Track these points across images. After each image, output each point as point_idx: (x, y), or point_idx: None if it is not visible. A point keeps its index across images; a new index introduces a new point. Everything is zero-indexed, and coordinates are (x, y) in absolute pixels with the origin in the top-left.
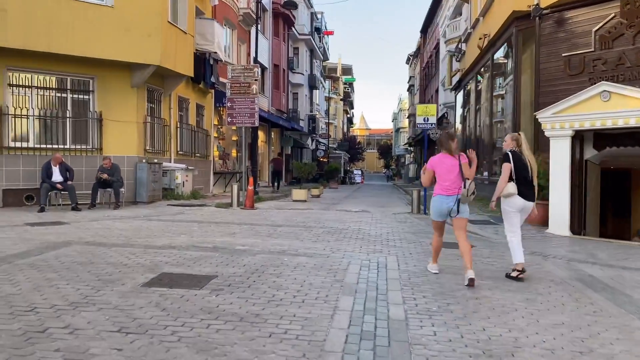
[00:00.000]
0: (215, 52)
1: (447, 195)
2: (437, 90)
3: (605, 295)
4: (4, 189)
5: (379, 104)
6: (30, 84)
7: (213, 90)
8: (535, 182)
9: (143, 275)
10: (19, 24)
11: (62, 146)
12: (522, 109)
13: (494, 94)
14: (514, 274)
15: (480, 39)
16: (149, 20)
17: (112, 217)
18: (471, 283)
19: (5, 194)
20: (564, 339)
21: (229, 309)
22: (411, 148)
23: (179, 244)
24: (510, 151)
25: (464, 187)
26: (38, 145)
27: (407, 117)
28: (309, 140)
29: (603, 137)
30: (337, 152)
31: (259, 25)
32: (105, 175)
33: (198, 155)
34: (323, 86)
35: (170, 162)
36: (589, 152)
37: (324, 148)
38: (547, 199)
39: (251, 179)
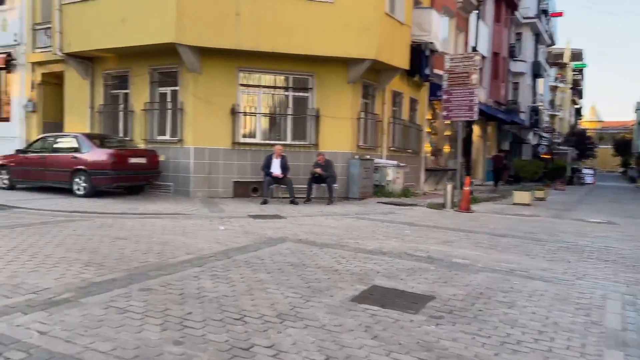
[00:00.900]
0: (432, 43)
1: None
2: None
3: None
4: (234, 180)
5: (615, 92)
6: (258, 84)
7: (427, 83)
8: None
9: (353, 287)
10: (250, 27)
11: (282, 142)
12: None
13: None
14: None
15: None
16: (367, 13)
17: (325, 213)
18: None
19: (236, 185)
20: None
21: (452, 347)
22: None
23: (390, 250)
24: None
25: None
26: (263, 141)
27: None
28: (530, 135)
29: None
30: (562, 148)
31: (479, 11)
32: (319, 170)
33: (409, 151)
34: (548, 74)
35: (381, 158)
36: None
37: (547, 143)
38: None
39: (468, 179)
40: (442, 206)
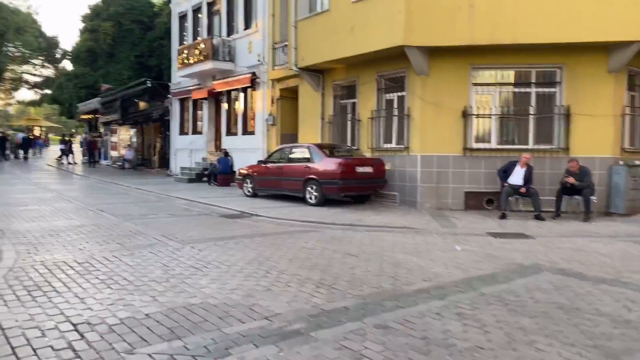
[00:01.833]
0: None
1: None
2: None
3: None
4: (466, 191)
5: None
6: (493, 81)
7: None
8: None
9: None
10: (485, 18)
11: (523, 146)
12: None
13: None
14: None
15: None
16: None
17: (585, 234)
18: None
19: (467, 196)
20: None
21: None
22: None
23: None
24: None
25: None
26: (499, 146)
27: None
28: None
29: None
30: None
31: None
32: (572, 180)
33: None
34: None
35: None
36: None
37: None
38: None
39: None
40: None
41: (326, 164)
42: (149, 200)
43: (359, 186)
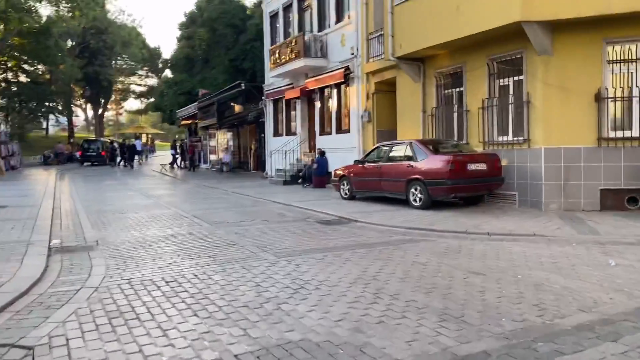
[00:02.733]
0: None
1: None
2: None
3: None
4: (602, 188)
5: None
6: (633, 57)
7: None
8: None
9: None
10: None
11: None
12: None
13: None
14: None
15: None
16: None
17: None
18: None
19: (604, 194)
20: None
21: None
22: None
23: None
24: None
25: None
26: None
27: None
28: None
29: None
30: None
31: None
32: None
33: None
34: None
35: None
36: None
37: None
38: None
39: None
40: None
41: (432, 162)
42: (244, 204)
43: (472, 186)
